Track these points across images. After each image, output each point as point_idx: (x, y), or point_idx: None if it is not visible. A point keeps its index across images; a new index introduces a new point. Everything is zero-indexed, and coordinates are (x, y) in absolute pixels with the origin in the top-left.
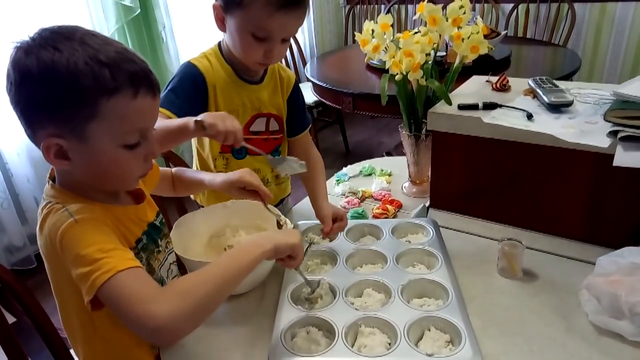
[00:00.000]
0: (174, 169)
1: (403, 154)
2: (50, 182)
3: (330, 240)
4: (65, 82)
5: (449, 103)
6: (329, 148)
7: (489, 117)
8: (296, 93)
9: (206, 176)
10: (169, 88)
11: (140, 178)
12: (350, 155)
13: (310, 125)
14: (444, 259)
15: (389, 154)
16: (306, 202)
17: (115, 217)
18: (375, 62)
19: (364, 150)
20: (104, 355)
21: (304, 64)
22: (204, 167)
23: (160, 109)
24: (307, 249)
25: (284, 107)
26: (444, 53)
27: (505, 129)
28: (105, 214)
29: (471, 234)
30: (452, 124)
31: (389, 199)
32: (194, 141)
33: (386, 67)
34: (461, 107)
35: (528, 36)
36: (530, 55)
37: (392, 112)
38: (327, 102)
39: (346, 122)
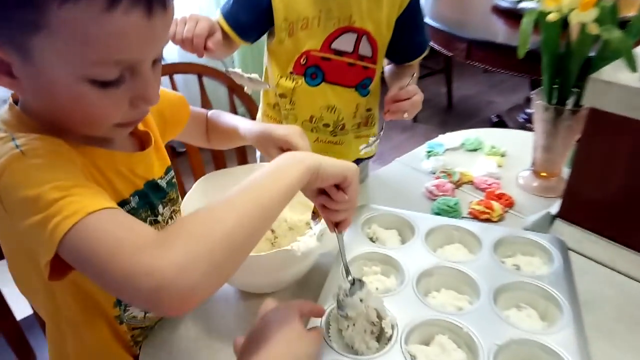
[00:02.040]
0: (210, 112)
1: (517, 122)
2: (11, 102)
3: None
4: None
5: (633, 69)
6: (428, 100)
7: None
8: (414, 9)
9: (242, 123)
10: None
11: (123, 127)
12: (453, 111)
13: (427, 51)
14: (572, 308)
15: (499, 119)
16: (392, 170)
17: (92, 162)
18: (505, 3)
19: (469, 107)
20: (74, 352)
21: None
22: (267, 98)
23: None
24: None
25: (387, 26)
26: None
27: None
28: (75, 154)
29: (620, 272)
30: (628, 102)
31: (497, 191)
32: (265, 57)
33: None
34: None
35: None
36: None
37: (518, 69)
38: (436, 47)
39: (454, 72)
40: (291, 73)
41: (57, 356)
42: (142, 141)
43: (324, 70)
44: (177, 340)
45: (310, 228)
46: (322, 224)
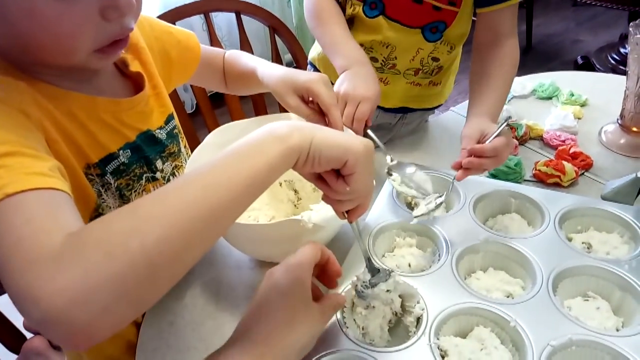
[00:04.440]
0: (227, 52)
1: (606, 65)
2: None
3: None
4: None
5: None
6: None
7: None
8: None
9: (262, 65)
10: None
11: (104, 54)
12: (531, 52)
13: None
14: None
15: (585, 60)
16: (444, 121)
17: (67, 110)
18: None
19: (551, 47)
20: None
21: None
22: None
23: None
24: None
25: None
26: None
27: None
28: (31, 102)
29: None
30: None
31: (572, 149)
32: None
33: None
34: None
35: None
36: None
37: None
38: None
39: (536, 7)
40: None
41: None
42: (136, 85)
43: (385, 1)
44: (181, 309)
45: None
46: None
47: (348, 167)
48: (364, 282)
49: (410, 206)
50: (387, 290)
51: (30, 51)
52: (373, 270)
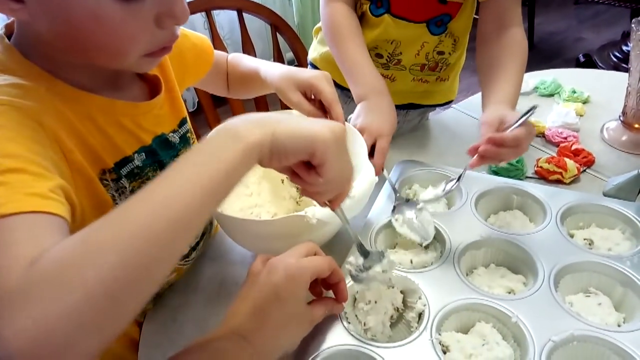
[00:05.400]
0: (230, 55)
1: (608, 63)
2: (1, 34)
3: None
4: None
5: None
6: None
7: None
8: None
9: (265, 65)
10: None
11: (151, 58)
12: (534, 50)
13: None
14: None
15: (588, 58)
16: (446, 118)
17: (86, 113)
18: None
19: (553, 45)
20: None
21: None
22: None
23: None
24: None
25: None
26: None
27: None
28: (58, 105)
29: None
30: None
31: (574, 146)
32: None
33: None
34: None
35: None
36: None
37: None
38: None
39: (538, 5)
40: None
41: None
42: (152, 88)
43: None
44: (184, 305)
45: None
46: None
47: (317, 158)
48: (357, 266)
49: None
50: (383, 271)
51: (86, 53)
52: (365, 253)
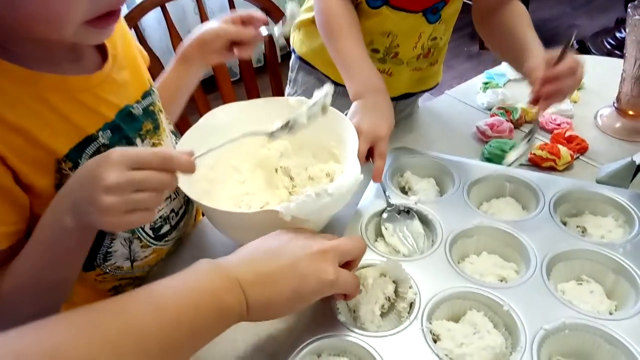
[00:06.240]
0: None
1: (602, 49)
2: None
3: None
4: None
5: None
6: None
7: None
8: None
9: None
10: None
11: (94, 27)
12: None
13: None
14: None
15: (582, 44)
16: (439, 105)
17: (39, 96)
18: None
19: (546, 32)
20: None
21: None
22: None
23: None
24: None
25: None
26: None
27: None
28: (12, 89)
29: None
30: None
31: (567, 133)
32: None
33: None
34: None
35: None
36: None
37: None
38: None
39: None
40: None
41: None
42: (104, 61)
43: None
44: None
45: (330, 180)
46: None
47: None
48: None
49: (404, 191)
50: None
51: (19, 22)
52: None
